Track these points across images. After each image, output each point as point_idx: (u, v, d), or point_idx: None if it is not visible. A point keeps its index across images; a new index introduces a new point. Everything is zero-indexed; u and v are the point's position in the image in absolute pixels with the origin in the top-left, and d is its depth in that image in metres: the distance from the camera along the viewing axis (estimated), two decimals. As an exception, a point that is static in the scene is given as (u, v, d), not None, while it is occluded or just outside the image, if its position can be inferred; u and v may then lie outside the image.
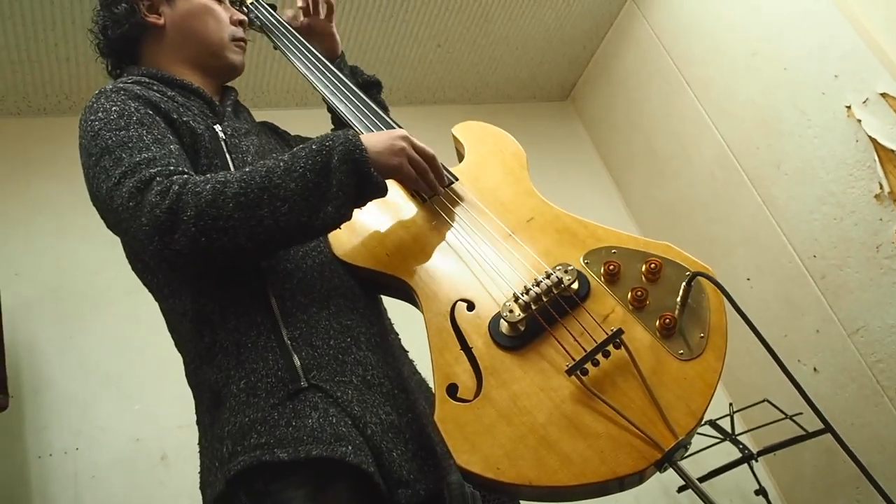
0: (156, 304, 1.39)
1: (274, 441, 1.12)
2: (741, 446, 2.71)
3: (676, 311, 1.17)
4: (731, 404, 2.85)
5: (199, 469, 1.26)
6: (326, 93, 1.56)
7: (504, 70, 3.83)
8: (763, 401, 2.77)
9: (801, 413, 2.58)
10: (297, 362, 1.19)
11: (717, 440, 2.73)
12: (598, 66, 3.99)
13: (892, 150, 2.54)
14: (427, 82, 3.69)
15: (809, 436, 2.51)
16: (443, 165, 1.43)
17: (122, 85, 1.33)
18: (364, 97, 1.54)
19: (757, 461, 2.72)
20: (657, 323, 1.16)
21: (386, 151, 1.26)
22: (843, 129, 2.70)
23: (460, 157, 1.55)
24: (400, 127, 1.46)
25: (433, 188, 1.37)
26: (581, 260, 1.27)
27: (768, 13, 2.98)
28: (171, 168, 1.18)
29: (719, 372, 1.12)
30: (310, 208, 1.16)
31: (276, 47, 1.70)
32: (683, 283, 1.18)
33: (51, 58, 2.82)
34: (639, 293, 1.18)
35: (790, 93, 2.90)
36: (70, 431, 2.47)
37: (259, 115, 1.65)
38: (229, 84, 1.60)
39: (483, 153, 1.52)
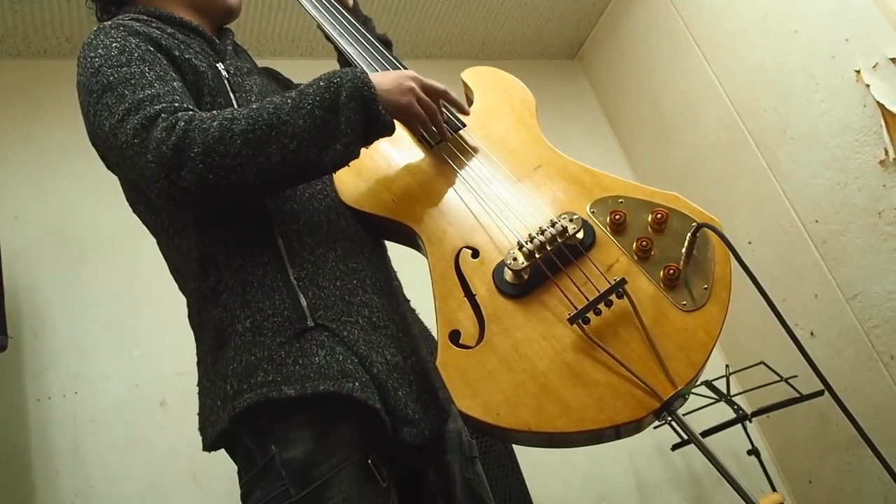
0: (156, 250, 1.38)
1: (281, 378, 1.12)
2: (736, 407, 2.73)
3: (681, 262, 1.17)
4: (727, 365, 2.87)
5: (197, 412, 1.26)
6: (334, 33, 1.53)
7: (512, 26, 3.79)
8: (759, 363, 2.80)
9: (796, 376, 2.60)
10: (304, 302, 1.19)
11: (713, 400, 2.75)
12: (607, 24, 3.94)
13: (900, 116, 2.52)
14: (434, 35, 3.65)
15: (804, 398, 2.54)
16: (451, 111, 1.42)
17: (121, 21, 1.30)
18: (373, 40, 1.52)
19: (751, 422, 2.75)
20: (661, 273, 1.16)
21: (395, 90, 1.26)
22: (852, 94, 2.68)
23: (469, 103, 1.53)
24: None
25: (441, 131, 1.36)
26: (587, 209, 1.26)
27: (781, -26, 2.93)
28: (176, 105, 1.16)
29: (721, 323, 1.12)
30: (318, 145, 1.15)
31: None
32: (689, 234, 1.17)
33: (52, -2, 2.78)
34: (644, 243, 1.19)
35: (800, 56, 2.87)
36: (69, 375, 2.48)
37: (263, 64, 1.63)
38: (226, 27, 1.57)
39: (492, 99, 1.51)
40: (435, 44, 3.71)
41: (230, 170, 1.10)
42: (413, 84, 1.28)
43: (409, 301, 1.48)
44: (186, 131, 1.10)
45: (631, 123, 3.90)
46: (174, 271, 1.35)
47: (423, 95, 1.29)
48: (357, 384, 1.13)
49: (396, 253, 1.48)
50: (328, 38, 1.57)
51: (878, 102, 2.58)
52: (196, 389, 1.29)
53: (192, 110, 1.16)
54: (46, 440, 2.36)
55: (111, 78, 1.19)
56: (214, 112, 1.15)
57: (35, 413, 2.39)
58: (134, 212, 1.38)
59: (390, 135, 1.26)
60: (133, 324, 2.62)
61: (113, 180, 1.38)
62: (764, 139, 3.09)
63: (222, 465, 1.30)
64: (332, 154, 1.17)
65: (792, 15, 2.88)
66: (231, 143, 1.10)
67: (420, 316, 1.47)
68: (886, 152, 2.57)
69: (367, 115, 1.20)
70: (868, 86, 2.60)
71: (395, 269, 1.50)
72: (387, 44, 1.70)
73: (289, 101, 1.16)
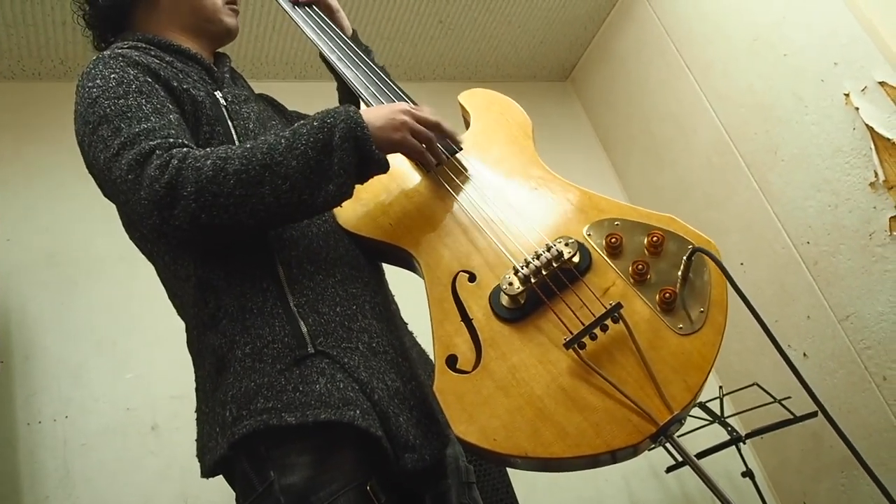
0: (150, 272, 1.38)
1: (281, 406, 1.12)
2: (730, 429, 2.73)
3: (677, 286, 1.17)
4: (720, 387, 2.87)
5: (195, 437, 1.26)
6: (334, 58, 1.53)
7: (505, 49, 3.82)
8: (752, 384, 2.80)
9: (789, 397, 2.60)
10: (304, 329, 1.19)
11: (707, 422, 2.75)
12: (599, 47, 3.97)
13: (889, 139, 2.55)
14: (428, 58, 3.68)
15: (798, 419, 2.54)
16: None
17: (119, 51, 1.31)
18: (371, 64, 1.52)
19: (745, 444, 2.74)
20: (657, 297, 1.16)
21: (387, 127, 1.25)
22: (841, 117, 2.70)
23: (466, 125, 1.55)
24: (409, 98, 1.45)
25: (438, 158, 1.36)
26: (584, 231, 1.26)
27: (771, -1, 2.97)
28: (171, 140, 1.16)
29: (718, 347, 1.12)
30: (311, 186, 1.16)
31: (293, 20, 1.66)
32: (684, 258, 1.18)
33: (46, 22, 2.79)
34: (640, 266, 1.19)
35: (789, 79, 2.90)
36: (60, 399, 2.46)
37: (258, 87, 1.64)
38: (222, 51, 1.58)
39: (489, 122, 1.52)
40: (428, 66, 3.74)
41: (223, 209, 1.11)
42: (406, 118, 1.28)
43: (407, 324, 1.48)
44: (180, 169, 1.11)
45: (623, 145, 3.92)
46: (172, 297, 1.35)
47: (417, 127, 1.29)
48: (358, 412, 1.13)
49: (393, 276, 1.48)
50: (327, 63, 1.58)
51: (867, 125, 2.60)
52: (189, 413, 1.29)
53: (186, 146, 1.17)
54: (36, 465, 2.34)
55: (108, 110, 1.19)
56: (209, 150, 1.16)
57: (25, 437, 2.37)
58: (130, 238, 1.38)
59: (385, 172, 1.26)
60: (125, 346, 2.60)
61: (105, 203, 1.37)
62: (755, 161, 3.12)
63: (215, 489, 1.30)
64: (325, 195, 1.17)
65: (781, 39, 2.91)
66: (224, 183, 1.11)
67: (418, 339, 1.47)
68: (876, 174, 2.59)
69: (360, 156, 1.20)
70: (857, 109, 2.63)
71: (393, 293, 1.49)
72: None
73: (283, 140, 1.16)
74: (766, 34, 2.98)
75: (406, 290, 1.51)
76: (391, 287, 1.50)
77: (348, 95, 1.59)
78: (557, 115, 4.06)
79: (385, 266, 1.47)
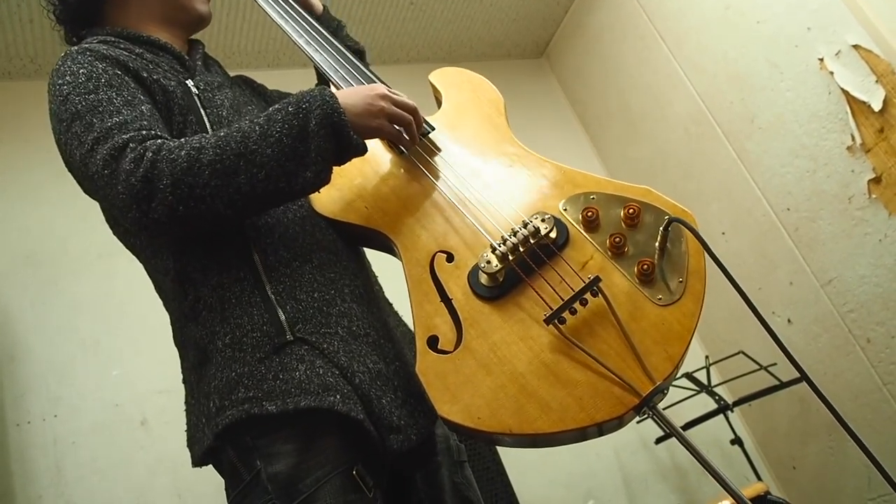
0: (129, 269, 1.39)
1: (262, 394, 1.12)
2: (717, 397, 2.76)
3: (655, 257, 1.17)
4: (707, 357, 2.90)
5: (185, 428, 1.27)
6: (301, 42, 1.51)
7: (478, 28, 3.80)
8: (738, 353, 2.82)
9: (775, 364, 2.63)
10: (282, 316, 1.18)
11: (694, 392, 2.77)
12: (573, 22, 3.96)
13: (864, 102, 2.56)
14: (401, 41, 3.66)
15: (783, 385, 2.57)
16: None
17: (87, 46, 1.30)
18: (342, 49, 1.50)
19: (732, 412, 2.78)
20: (636, 269, 1.16)
21: (365, 113, 1.23)
22: (816, 82, 2.71)
23: (438, 104, 1.53)
24: (380, 80, 1.43)
25: (414, 140, 1.34)
26: (560, 206, 1.26)
27: (742, -34, 2.96)
28: (144, 132, 1.16)
29: (697, 316, 1.12)
30: (287, 174, 1.14)
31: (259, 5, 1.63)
32: (661, 229, 1.18)
33: (14, 20, 2.75)
34: (617, 239, 1.18)
35: (763, 46, 2.90)
36: (48, 398, 2.46)
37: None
38: (196, 38, 1.56)
39: (461, 100, 1.50)
40: (402, 49, 3.72)
41: (200, 200, 1.11)
42: (383, 104, 1.26)
43: (391, 305, 1.47)
44: (154, 162, 1.10)
45: (600, 119, 3.92)
46: (158, 290, 1.35)
47: (394, 111, 1.27)
48: (338, 397, 1.13)
49: (378, 258, 1.47)
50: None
51: (842, 89, 2.61)
52: (177, 407, 1.29)
53: (160, 137, 1.16)
54: (27, 465, 2.34)
55: (79, 106, 1.18)
56: (183, 140, 1.15)
57: (15, 438, 2.37)
58: (114, 234, 1.37)
59: (363, 155, 1.24)
60: (110, 343, 2.60)
61: (83, 201, 1.36)
62: (732, 130, 3.12)
63: (207, 481, 1.30)
64: (303, 182, 1.16)
65: (753, 6, 2.91)
66: (199, 174, 1.10)
67: (403, 319, 1.47)
68: (853, 138, 2.61)
69: (338, 141, 1.18)
70: (832, 73, 2.64)
71: (377, 274, 1.49)
72: (359, 52, 1.69)
73: (257, 127, 1.15)
74: (738, 2, 2.98)
75: (390, 271, 1.51)
76: (375, 269, 1.50)
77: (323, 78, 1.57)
78: (534, 92, 4.05)
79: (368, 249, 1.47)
